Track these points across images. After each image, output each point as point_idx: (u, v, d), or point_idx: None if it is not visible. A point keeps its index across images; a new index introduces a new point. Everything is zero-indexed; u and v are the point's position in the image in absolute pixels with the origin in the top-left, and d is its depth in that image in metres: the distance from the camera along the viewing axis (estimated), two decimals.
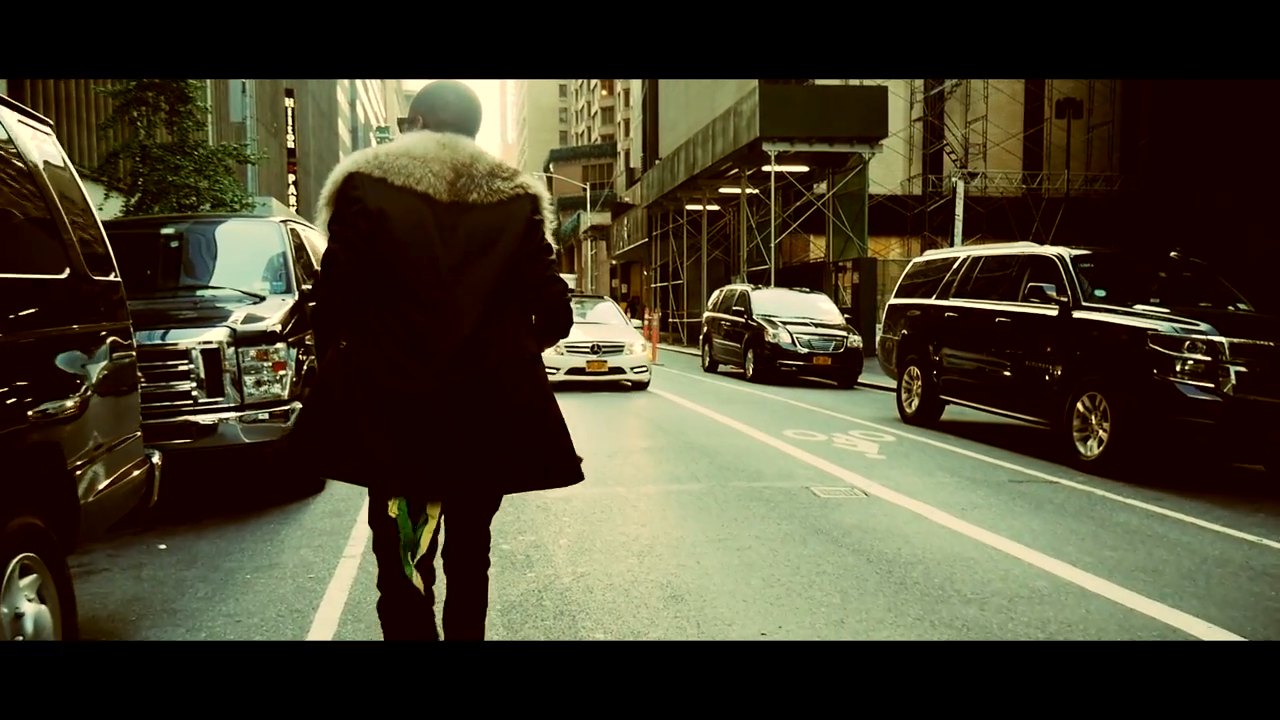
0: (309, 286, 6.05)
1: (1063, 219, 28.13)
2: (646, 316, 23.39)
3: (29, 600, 2.49)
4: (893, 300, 11.17)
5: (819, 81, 24.40)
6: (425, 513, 2.33)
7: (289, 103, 46.07)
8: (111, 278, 3.51)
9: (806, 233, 27.41)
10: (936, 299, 9.96)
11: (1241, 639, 3.61)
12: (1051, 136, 29.97)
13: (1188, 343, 6.65)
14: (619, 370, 13.37)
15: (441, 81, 2.43)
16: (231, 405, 5.25)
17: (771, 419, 10.34)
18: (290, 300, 5.96)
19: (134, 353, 3.61)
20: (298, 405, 5.44)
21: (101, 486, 3.14)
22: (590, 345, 13.30)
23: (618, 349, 13.43)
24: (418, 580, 2.36)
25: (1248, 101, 21.08)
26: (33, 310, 2.76)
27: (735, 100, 25.03)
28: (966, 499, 6.13)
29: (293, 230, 6.84)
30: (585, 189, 60.27)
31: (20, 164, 2.97)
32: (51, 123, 3.48)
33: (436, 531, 2.38)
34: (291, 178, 45.81)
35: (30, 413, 2.61)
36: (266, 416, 5.33)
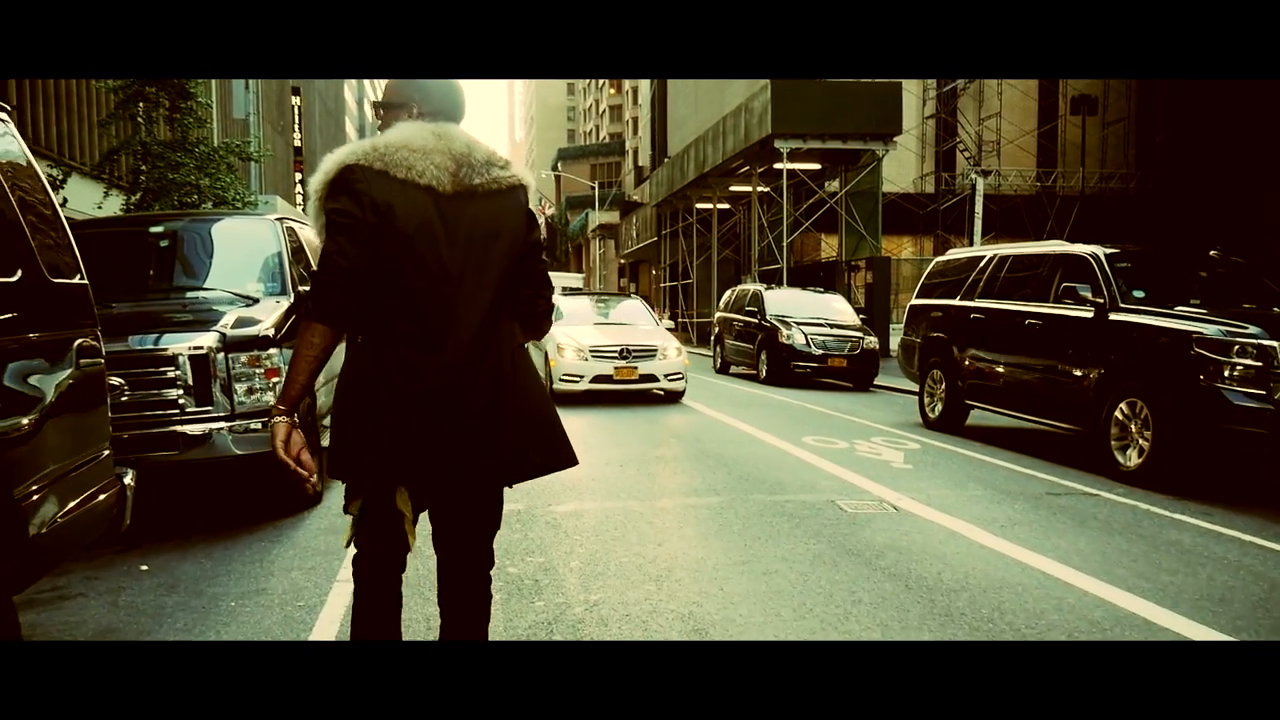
0: (306, 288, 5.70)
1: (1078, 217, 27.73)
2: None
3: None
4: (914, 301, 10.76)
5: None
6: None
7: (296, 101, 46.10)
8: (76, 280, 3.17)
9: (818, 231, 27.02)
10: (961, 300, 9.55)
11: None
12: (1066, 133, 29.55)
13: (1236, 347, 6.26)
14: (651, 378, 11.73)
15: None
16: (221, 414, 4.94)
17: (789, 424, 9.96)
18: (285, 302, 5.62)
19: (102, 361, 3.26)
20: None
21: (59, 515, 2.79)
22: (618, 349, 11.63)
23: (649, 353, 11.79)
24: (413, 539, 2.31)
25: (1265, 98, 20.67)
26: None
27: (746, 97, 24.64)
28: (1004, 514, 5.75)
29: (289, 229, 6.49)
30: (593, 187, 60.01)
31: None
32: (9, 107, 3.13)
33: (403, 539, 2.31)
34: (298, 176, 45.71)
35: None
36: (259, 426, 5.00)
